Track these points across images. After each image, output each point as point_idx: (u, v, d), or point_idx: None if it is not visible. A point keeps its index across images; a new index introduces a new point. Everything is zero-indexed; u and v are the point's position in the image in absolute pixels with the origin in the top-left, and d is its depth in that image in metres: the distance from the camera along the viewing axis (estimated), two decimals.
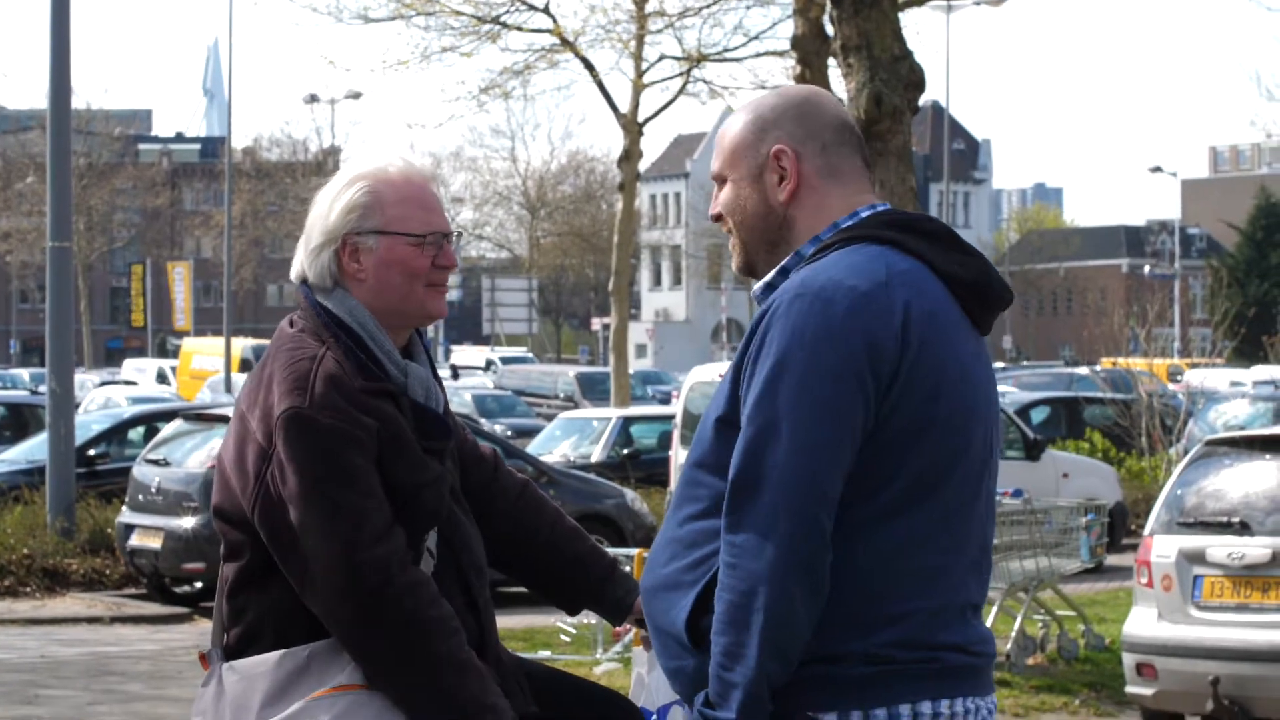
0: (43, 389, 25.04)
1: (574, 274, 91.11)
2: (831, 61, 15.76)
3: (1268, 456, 10.72)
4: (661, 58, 30.42)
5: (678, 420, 21.34)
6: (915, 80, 13.04)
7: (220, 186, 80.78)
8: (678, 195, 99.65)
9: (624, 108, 30.04)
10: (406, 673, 3.85)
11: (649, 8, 28.93)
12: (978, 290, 3.59)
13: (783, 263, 3.63)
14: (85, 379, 45.86)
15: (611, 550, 12.84)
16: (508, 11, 28.35)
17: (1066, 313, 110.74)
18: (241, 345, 47.75)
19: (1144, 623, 10.67)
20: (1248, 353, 47.13)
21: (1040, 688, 12.37)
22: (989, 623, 12.65)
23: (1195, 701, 10.44)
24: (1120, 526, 20.92)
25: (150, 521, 17.21)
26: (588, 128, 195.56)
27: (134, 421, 22.13)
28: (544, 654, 13.38)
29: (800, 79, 16.65)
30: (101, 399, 36.18)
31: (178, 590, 17.63)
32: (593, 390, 44.01)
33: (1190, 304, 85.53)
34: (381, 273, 4.05)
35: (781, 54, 28.43)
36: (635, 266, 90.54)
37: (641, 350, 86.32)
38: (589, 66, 29.31)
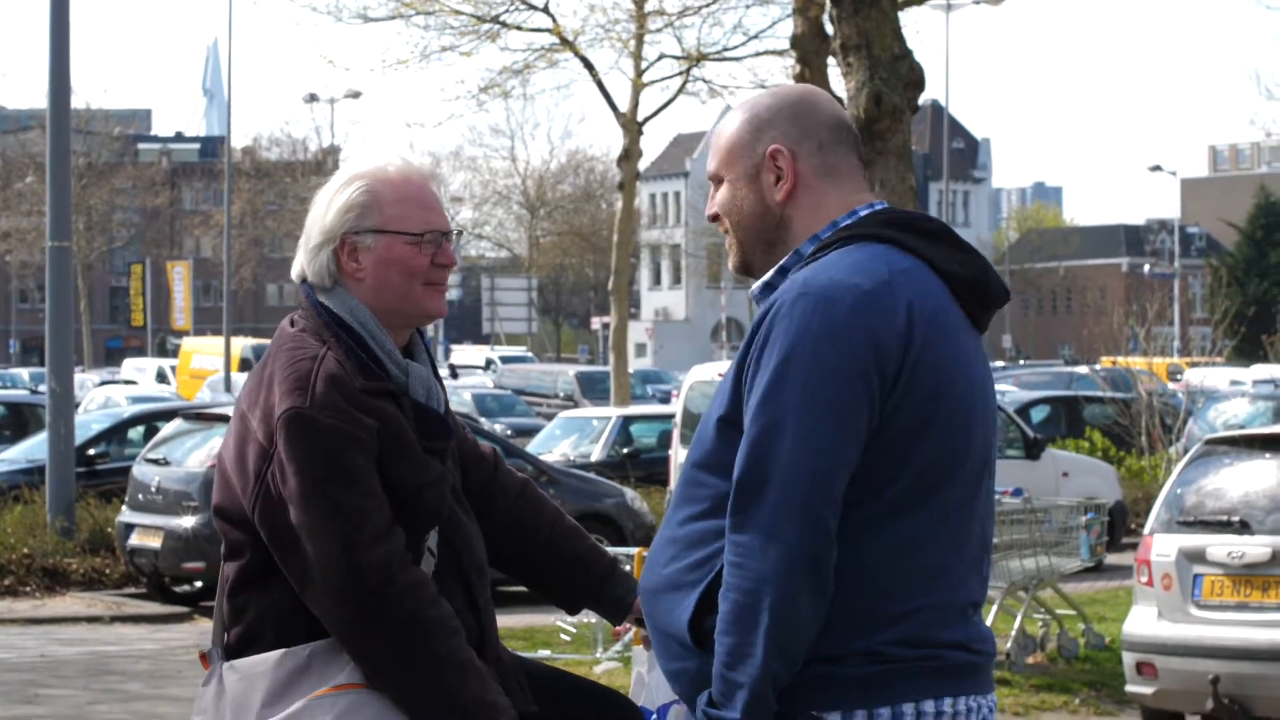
0: (42, 388, 25.05)
1: (573, 273, 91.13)
2: (831, 60, 15.76)
3: (1267, 455, 10.72)
4: (661, 57, 30.44)
5: (677, 419, 21.33)
6: (915, 79, 13.04)
7: (220, 186, 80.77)
8: (677, 194, 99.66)
9: (623, 107, 30.04)
10: (407, 673, 3.85)
11: (648, 7, 28.93)
12: (977, 289, 3.60)
13: (781, 262, 3.63)
14: (85, 378, 45.87)
15: (611, 549, 12.83)
16: (507, 11, 28.36)
17: (1066, 312, 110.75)
18: (241, 345, 47.77)
19: (1144, 622, 10.67)
20: (1247, 352, 47.13)
21: (1040, 686, 12.37)
22: (989, 622, 12.65)
23: (1195, 700, 10.44)
24: (1120, 525, 20.92)
25: (150, 521, 17.21)
26: (587, 127, 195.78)
27: (134, 421, 22.13)
28: (544, 653, 13.38)
29: (800, 78, 16.65)
30: (101, 398, 36.17)
31: (177, 589, 17.63)
32: (592, 389, 44.02)
33: (1190, 303, 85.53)
34: (380, 272, 4.05)
35: (781, 53, 28.44)
36: (635, 266, 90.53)
37: (641, 349, 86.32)
38: (588, 66, 29.31)
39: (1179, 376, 35.07)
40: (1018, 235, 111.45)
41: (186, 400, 34.33)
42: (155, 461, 17.78)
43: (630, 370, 38.05)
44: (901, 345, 3.44)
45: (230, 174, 44.36)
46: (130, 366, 54.14)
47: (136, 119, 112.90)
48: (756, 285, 3.67)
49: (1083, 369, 40.58)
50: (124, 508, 17.85)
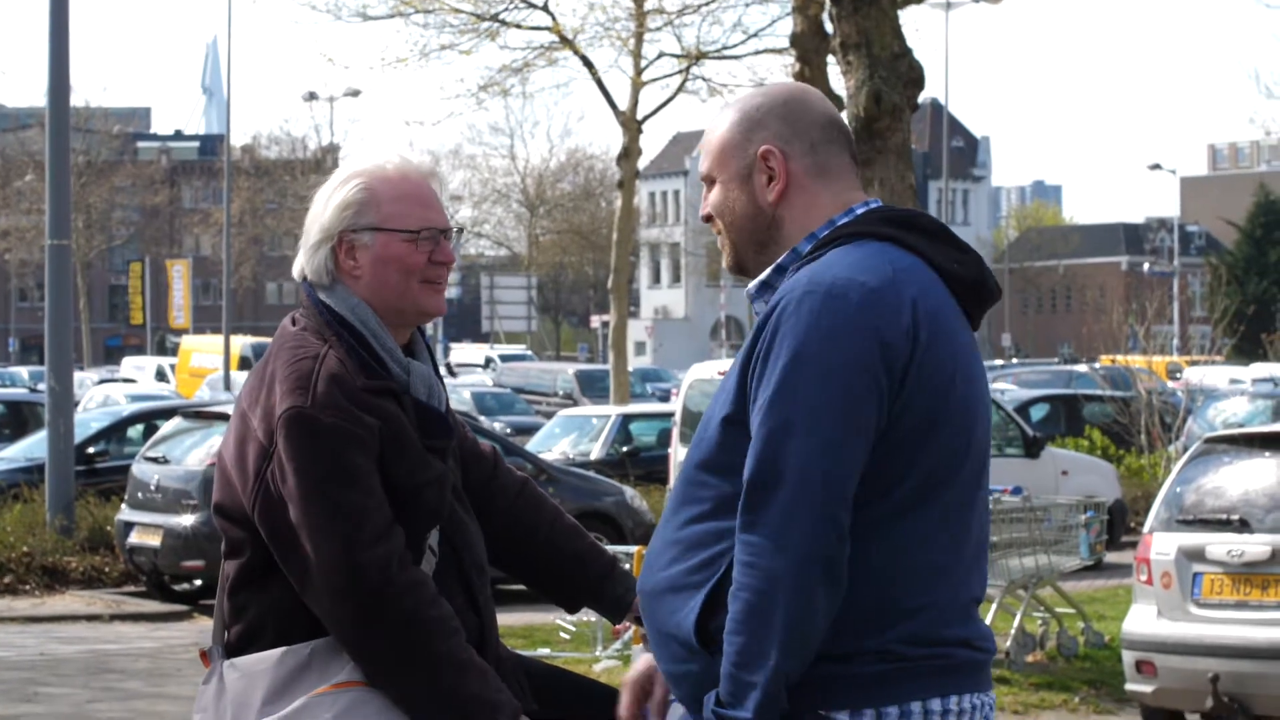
0: (42, 387, 25.06)
1: (573, 271, 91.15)
2: (830, 59, 15.77)
3: (1267, 454, 10.72)
4: (660, 55, 30.42)
5: (677, 418, 21.34)
6: (914, 77, 13.04)
7: (219, 184, 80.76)
8: (677, 193, 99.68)
9: (623, 105, 30.04)
10: (406, 672, 3.85)
11: (648, 5, 28.91)
12: (975, 288, 3.60)
13: (779, 260, 3.62)
14: (84, 377, 45.85)
15: (611, 548, 12.83)
16: (506, 9, 28.35)
17: (1065, 310, 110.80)
18: (240, 343, 47.80)
19: (1143, 620, 10.67)
20: (1247, 350, 47.16)
21: (1040, 685, 12.37)
22: (988, 620, 12.65)
23: (1195, 699, 10.44)
24: (1119, 524, 20.92)
25: (149, 519, 17.21)
26: (587, 125, 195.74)
27: (133, 419, 22.13)
28: (543, 651, 13.38)
29: (799, 76, 16.66)
30: (100, 397, 36.16)
31: (177, 588, 17.62)
32: (592, 388, 44.03)
33: (1189, 301, 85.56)
34: (377, 269, 4.05)
35: (780, 51, 28.43)
36: (634, 264, 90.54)
37: (640, 348, 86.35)
38: (588, 64, 29.31)
39: (1178, 375, 35.10)
40: (1017, 234, 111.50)
41: (186, 399, 34.34)
42: (154, 460, 17.78)
43: (630, 368, 38.03)
44: (909, 343, 3.43)
45: (229, 172, 44.36)
46: (129, 365, 54.15)
47: (136, 117, 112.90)
48: (753, 284, 3.66)
49: (1082, 367, 40.59)
50: (123, 506, 17.85)
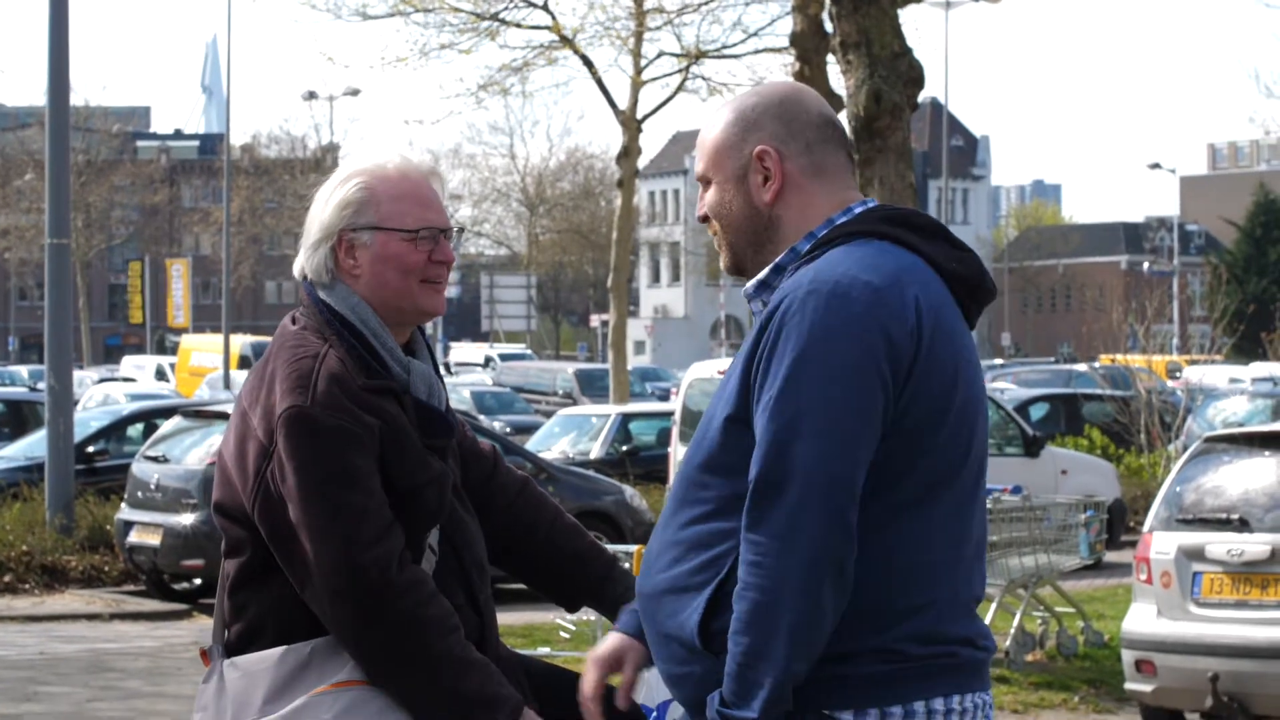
0: (41, 386, 25.04)
1: (573, 271, 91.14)
2: (830, 58, 15.76)
3: (1266, 453, 10.72)
4: (660, 54, 30.42)
5: (677, 417, 21.34)
6: (914, 77, 13.04)
7: (219, 183, 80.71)
8: (676, 192, 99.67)
9: (623, 104, 30.04)
10: (407, 671, 3.85)
11: (648, 4, 28.91)
12: (974, 287, 3.60)
13: (777, 260, 3.61)
14: (84, 376, 45.84)
15: (610, 547, 12.82)
16: (506, 8, 28.35)
17: (1065, 309, 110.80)
18: (240, 342, 47.81)
19: (1143, 619, 10.67)
20: (1246, 349, 47.14)
21: (1039, 684, 12.37)
22: (988, 619, 12.65)
23: (1194, 698, 10.44)
24: (1119, 523, 20.92)
25: (149, 518, 17.21)
26: (586, 124, 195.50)
27: (133, 418, 22.13)
28: (543, 651, 13.37)
29: (799, 76, 16.65)
30: (100, 396, 36.14)
31: (176, 587, 17.63)
32: (591, 387, 44.03)
33: (1189, 301, 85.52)
34: (377, 268, 4.05)
35: (780, 51, 28.43)
36: (634, 263, 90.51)
37: (640, 347, 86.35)
38: (588, 63, 29.30)
39: (1178, 374, 35.09)
40: (1017, 233, 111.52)
41: (185, 398, 34.34)
42: (154, 459, 17.78)
43: (629, 368, 38.03)
44: (913, 342, 3.43)
45: (229, 171, 44.36)
46: (129, 364, 54.14)
47: (135, 116, 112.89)
48: (751, 284, 3.65)
49: (1082, 366, 40.59)
50: (123, 505, 17.85)
